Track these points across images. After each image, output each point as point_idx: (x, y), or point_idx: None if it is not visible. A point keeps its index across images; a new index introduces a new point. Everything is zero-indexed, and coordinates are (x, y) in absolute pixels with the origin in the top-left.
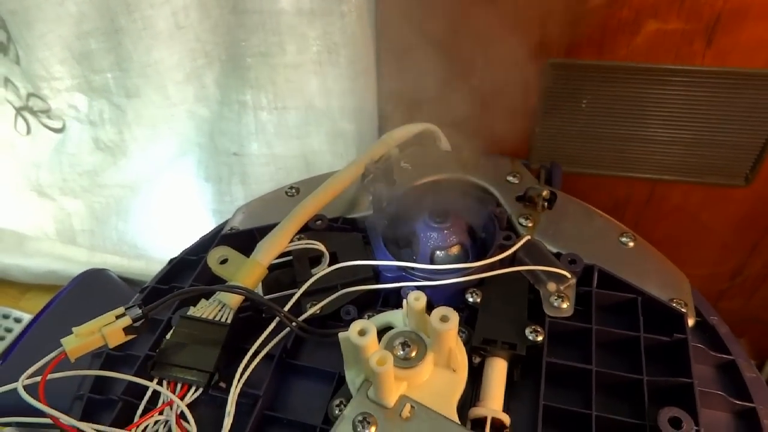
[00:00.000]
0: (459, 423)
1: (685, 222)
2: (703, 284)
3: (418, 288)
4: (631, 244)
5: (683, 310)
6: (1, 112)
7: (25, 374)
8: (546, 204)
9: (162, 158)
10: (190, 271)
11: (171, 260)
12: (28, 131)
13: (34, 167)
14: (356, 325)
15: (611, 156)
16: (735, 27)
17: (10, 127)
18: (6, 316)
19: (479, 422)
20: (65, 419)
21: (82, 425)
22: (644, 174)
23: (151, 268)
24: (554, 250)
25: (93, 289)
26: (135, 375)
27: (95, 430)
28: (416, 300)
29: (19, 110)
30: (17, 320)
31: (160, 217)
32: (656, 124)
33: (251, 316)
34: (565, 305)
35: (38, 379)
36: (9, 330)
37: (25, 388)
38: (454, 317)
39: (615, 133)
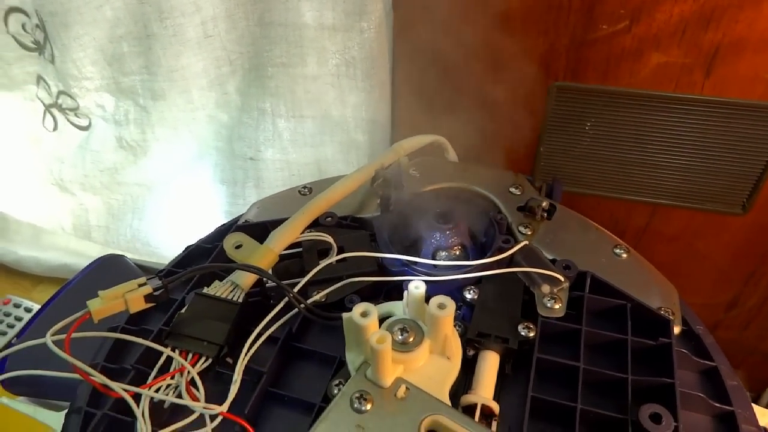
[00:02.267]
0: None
1: (683, 248)
2: (699, 313)
3: None
4: (625, 255)
5: (670, 317)
6: (31, 108)
7: (53, 329)
8: (545, 214)
9: (180, 159)
10: (204, 258)
11: (187, 247)
12: (55, 127)
13: (57, 162)
14: (359, 307)
15: (612, 178)
16: (733, 59)
17: (39, 123)
18: (17, 306)
19: (470, 409)
20: (94, 373)
21: (104, 379)
22: (644, 198)
23: (161, 265)
24: (551, 257)
25: (110, 273)
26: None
27: (118, 385)
28: (416, 288)
29: (48, 107)
30: (28, 310)
31: (174, 217)
32: (657, 149)
33: (260, 301)
34: (557, 306)
35: (63, 337)
36: (19, 319)
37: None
38: (451, 305)
39: (617, 156)
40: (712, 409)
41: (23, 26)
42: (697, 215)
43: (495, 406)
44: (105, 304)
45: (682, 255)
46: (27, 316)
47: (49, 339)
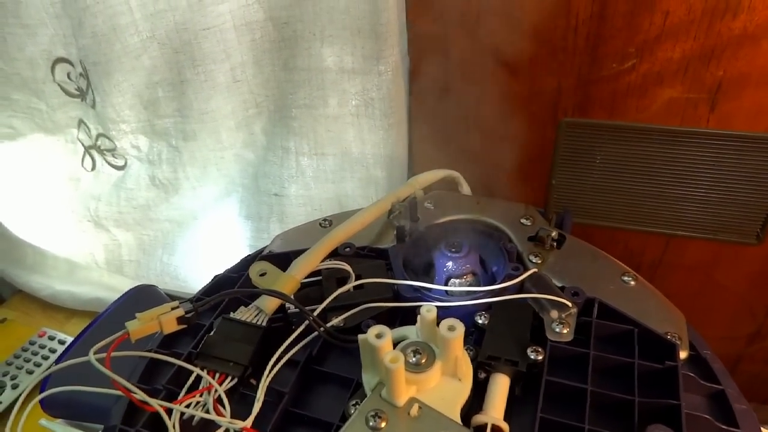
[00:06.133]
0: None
1: (701, 279)
2: (721, 347)
3: None
4: (633, 283)
5: (677, 342)
6: (72, 150)
7: (95, 347)
8: (554, 244)
9: (209, 196)
10: (230, 286)
11: (215, 276)
12: (93, 167)
13: (94, 200)
14: (374, 329)
15: (624, 210)
16: (736, 93)
17: (78, 163)
18: (52, 338)
19: (481, 429)
20: (132, 388)
21: (142, 394)
22: (657, 229)
23: (189, 296)
24: (560, 284)
25: (143, 302)
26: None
27: (156, 401)
28: (428, 312)
29: (87, 149)
30: (61, 342)
31: (202, 251)
32: (667, 181)
33: (282, 327)
34: (565, 331)
35: (104, 355)
36: (53, 351)
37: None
38: (460, 327)
39: (628, 188)
40: (719, 431)
41: (68, 75)
42: (711, 246)
43: (505, 427)
44: (142, 325)
45: (701, 286)
46: (61, 348)
47: (92, 356)
